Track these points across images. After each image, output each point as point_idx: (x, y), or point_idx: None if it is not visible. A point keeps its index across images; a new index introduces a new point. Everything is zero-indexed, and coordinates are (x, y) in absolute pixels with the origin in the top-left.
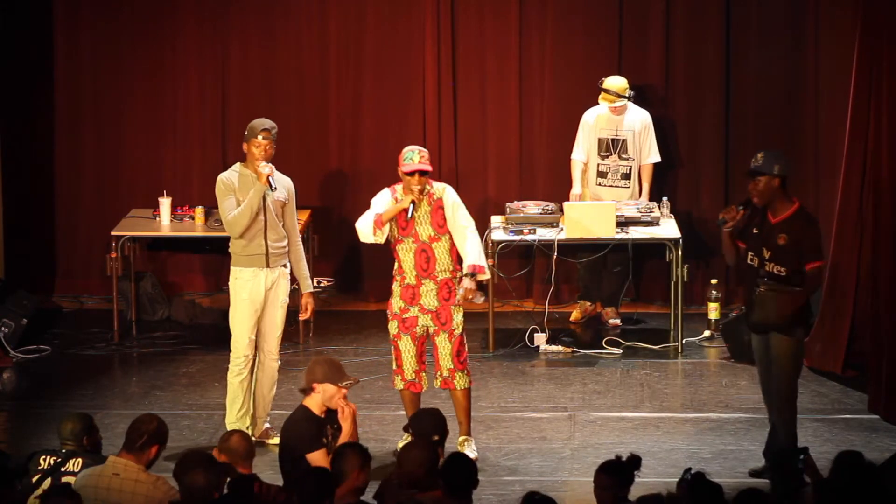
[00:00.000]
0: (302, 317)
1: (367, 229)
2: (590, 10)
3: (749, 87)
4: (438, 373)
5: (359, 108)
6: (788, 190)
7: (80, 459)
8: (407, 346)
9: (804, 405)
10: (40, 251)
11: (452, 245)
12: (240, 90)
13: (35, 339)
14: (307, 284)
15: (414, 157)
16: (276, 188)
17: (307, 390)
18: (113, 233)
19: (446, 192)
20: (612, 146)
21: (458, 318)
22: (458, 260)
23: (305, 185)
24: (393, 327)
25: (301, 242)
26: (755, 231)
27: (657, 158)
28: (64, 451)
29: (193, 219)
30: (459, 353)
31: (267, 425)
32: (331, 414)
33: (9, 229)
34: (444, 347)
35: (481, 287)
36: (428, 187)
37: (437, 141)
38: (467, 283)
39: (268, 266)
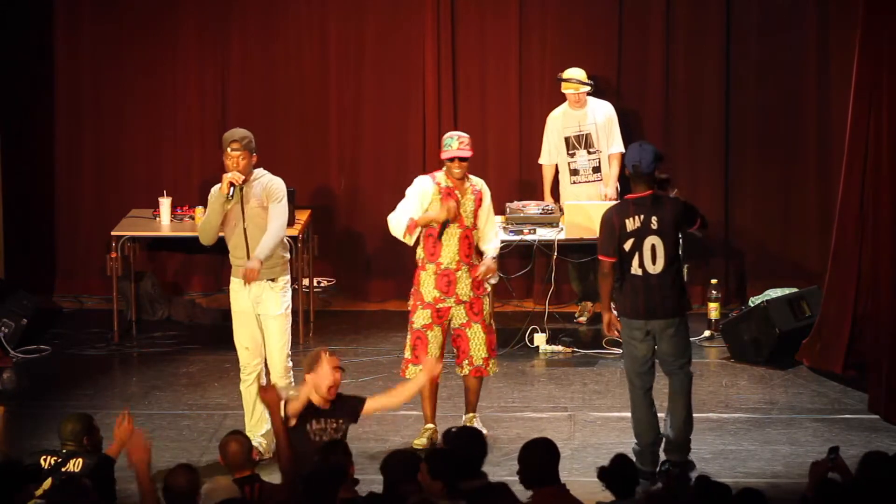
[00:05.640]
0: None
1: (399, 229)
2: (590, 10)
3: (749, 87)
4: (466, 363)
5: (359, 107)
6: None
7: (80, 459)
8: (436, 337)
9: (804, 405)
10: (40, 251)
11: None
12: (240, 90)
13: (35, 339)
14: (252, 255)
15: (453, 143)
16: (231, 196)
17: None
18: (113, 233)
19: (485, 190)
20: (577, 142)
21: (487, 307)
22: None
23: (305, 184)
24: (425, 317)
25: (276, 232)
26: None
27: (621, 148)
28: (64, 451)
29: (193, 219)
30: (490, 342)
31: None
32: (337, 407)
33: (9, 229)
34: (478, 338)
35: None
36: (469, 181)
37: (437, 141)
38: (491, 261)
39: None
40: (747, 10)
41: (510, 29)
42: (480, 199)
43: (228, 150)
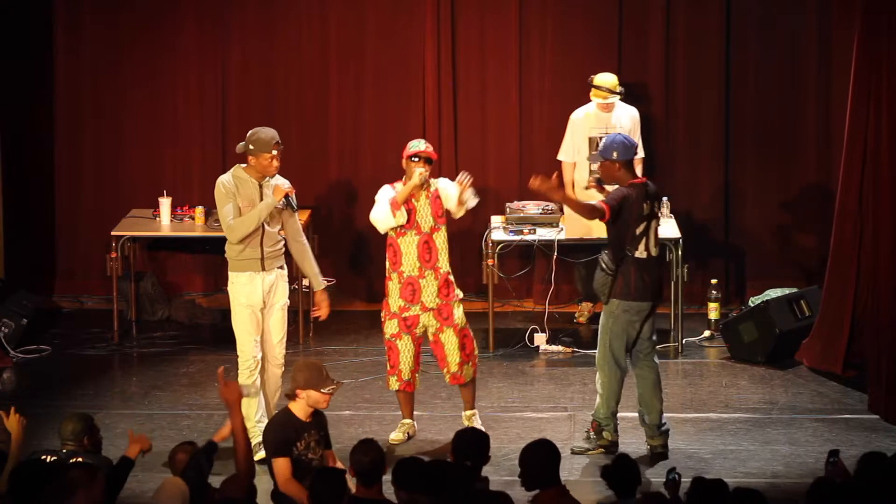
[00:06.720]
0: (315, 313)
1: (384, 215)
2: (590, 10)
3: (749, 87)
4: (445, 370)
5: (359, 108)
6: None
7: (80, 459)
8: (406, 346)
9: (804, 405)
10: (40, 251)
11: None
12: (240, 90)
13: (35, 339)
14: (318, 282)
15: (420, 144)
16: (292, 205)
17: (292, 396)
18: (113, 233)
19: (442, 183)
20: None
21: (458, 312)
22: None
23: (306, 184)
24: (392, 327)
25: (307, 241)
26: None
27: (642, 153)
28: (64, 451)
29: (193, 219)
30: (464, 346)
31: None
32: (317, 419)
33: (9, 229)
34: (450, 343)
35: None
36: (426, 185)
37: (437, 141)
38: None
39: (263, 269)
40: (747, 10)
41: (510, 29)
42: (438, 196)
43: (274, 151)
